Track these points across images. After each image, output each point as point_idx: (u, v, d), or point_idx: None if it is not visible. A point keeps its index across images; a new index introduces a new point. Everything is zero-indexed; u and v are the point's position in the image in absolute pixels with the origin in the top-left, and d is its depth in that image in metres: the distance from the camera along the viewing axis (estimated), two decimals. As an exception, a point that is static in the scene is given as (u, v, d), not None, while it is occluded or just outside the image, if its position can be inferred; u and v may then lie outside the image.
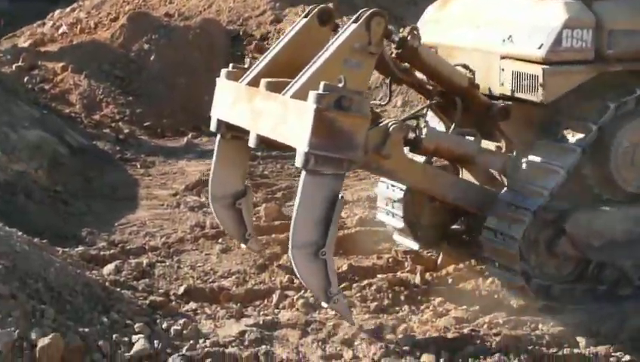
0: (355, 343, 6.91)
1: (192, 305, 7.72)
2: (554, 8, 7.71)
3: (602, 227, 7.83)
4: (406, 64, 7.86)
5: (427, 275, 8.35)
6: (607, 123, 7.67)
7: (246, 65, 8.67)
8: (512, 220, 7.47)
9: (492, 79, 8.04)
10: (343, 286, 8.00)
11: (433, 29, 8.71)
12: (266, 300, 7.88)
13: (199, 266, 8.76)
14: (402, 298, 7.89)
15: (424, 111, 8.78)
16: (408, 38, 7.59)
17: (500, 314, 7.49)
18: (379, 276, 8.29)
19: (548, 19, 7.66)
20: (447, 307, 7.67)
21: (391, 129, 7.32)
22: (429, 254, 8.78)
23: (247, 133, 7.76)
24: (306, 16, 8.16)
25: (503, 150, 8.32)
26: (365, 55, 7.35)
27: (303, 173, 6.92)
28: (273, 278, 8.35)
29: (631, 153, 7.81)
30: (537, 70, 7.56)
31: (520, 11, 8.04)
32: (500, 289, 7.92)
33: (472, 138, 8.04)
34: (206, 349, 6.51)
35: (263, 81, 7.63)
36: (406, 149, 7.73)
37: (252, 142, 7.63)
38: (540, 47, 7.55)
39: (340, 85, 6.86)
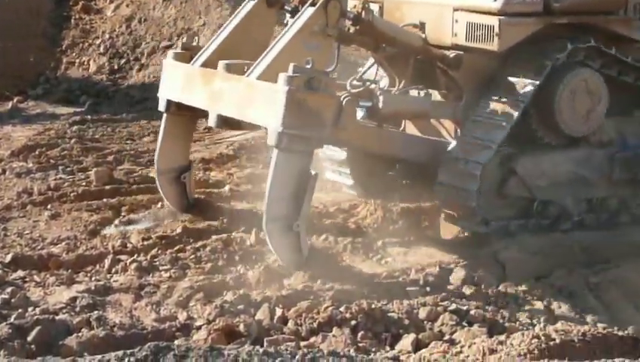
0: (190, 304, 6.86)
1: (20, 273, 7.47)
2: None
3: (547, 168, 8.48)
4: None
5: (261, 234, 8.34)
6: (551, 73, 8.23)
7: (194, 43, 8.86)
8: (465, 175, 7.99)
9: (444, 30, 8.51)
10: (177, 248, 7.98)
11: None
12: (97, 265, 7.72)
13: (27, 233, 8.48)
14: (237, 258, 7.87)
15: (373, 72, 9.05)
16: (362, 13, 7.91)
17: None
18: (214, 237, 8.25)
19: None
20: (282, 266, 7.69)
21: (344, 102, 7.62)
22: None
23: (194, 111, 8.28)
24: None
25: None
26: (324, 37, 7.75)
27: (275, 151, 7.28)
28: (105, 243, 8.18)
29: (572, 99, 8.37)
30: (493, 21, 8.12)
31: None
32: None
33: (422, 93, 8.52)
34: (35, 317, 6.31)
35: (222, 63, 7.94)
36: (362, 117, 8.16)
37: (212, 122, 7.96)
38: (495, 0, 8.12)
39: (308, 67, 7.22)
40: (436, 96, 8.78)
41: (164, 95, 8.71)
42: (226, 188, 9.92)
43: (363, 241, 8.31)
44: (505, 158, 8.33)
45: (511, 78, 8.32)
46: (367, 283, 7.31)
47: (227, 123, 8.03)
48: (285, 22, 8.44)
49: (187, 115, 8.71)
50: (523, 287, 7.38)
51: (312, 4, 7.79)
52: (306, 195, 7.35)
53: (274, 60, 7.62)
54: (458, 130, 8.77)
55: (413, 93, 8.59)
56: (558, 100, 8.35)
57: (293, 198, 7.33)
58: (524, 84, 8.23)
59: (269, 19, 8.62)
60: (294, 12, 8.19)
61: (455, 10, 8.46)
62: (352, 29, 8.03)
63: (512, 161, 8.36)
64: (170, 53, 8.80)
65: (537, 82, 8.22)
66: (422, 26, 8.53)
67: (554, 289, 7.46)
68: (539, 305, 7.17)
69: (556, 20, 8.42)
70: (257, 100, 7.50)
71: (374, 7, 9.00)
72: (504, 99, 8.23)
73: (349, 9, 7.99)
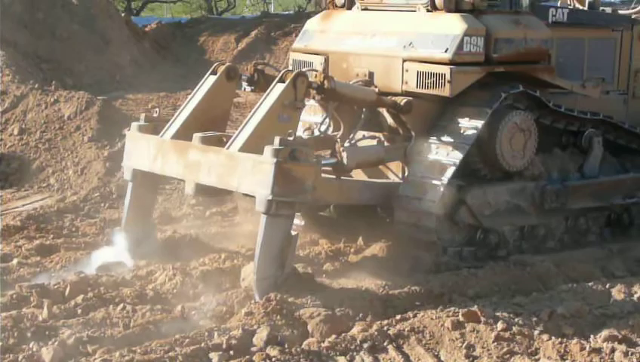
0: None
1: None
2: (454, 20, 9.49)
3: (490, 198, 9.65)
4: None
5: (54, 308, 8.00)
6: (493, 115, 9.45)
7: (155, 115, 9.70)
8: (422, 214, 9.10)
9: (393, 79, 9.67)
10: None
11: (321, 39, 10.41)
12: None
13: None
14: (29, 334, 7.47)
15: (334, 133, 9.95)
16: (325, 84, 9.05)
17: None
18: (2, 314, 7.81)
19: (451, 28, 9.43)
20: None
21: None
22: (57, 287, 8.49)
23: (159, 178, 9.38)
24: (213, 73, 9.48)
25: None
26: (294, 109, 8.83)
27: (264, 216, 8.13)
28: None
29: (509, 138, 9.59)
30: (445, 70, 9.30)
31: (417, 23, 9.74)
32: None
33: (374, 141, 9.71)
34: None
35: (197, 136, 8.81)
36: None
37: (189, 191, 8.85)
38: (446, 51, 9.33)
39: (291, 139, 8.14)
40: (380, 136, 9.84)
41: (130, 164, 9.46)
42: (14, 261, 9.47)
43: (163, 308, 8.10)
44: (455, 190, 9.32)
45: (457, 121, 9.44)
46: (169, 349, 7.10)
47: (205, 191, 8.86)
48: (243, 89, 9.75)
49: (151, 183, 9.61)
50: (326, 344, 7.37)
51: (281, 81, 8.83)
52: (289, 254, 8.25)
53: (252, 133, 8.55)
54: (406, 170, 9.73)
55: (366, 141, 9.74)
56: (499, 140, 9.52)
57: (279, 258, 8.19)
58: (469, 127, 9.36)
59: (229, 92, 9.62)
60: (250, 80, 9.61)
61: (405, 60, 9.58)
62: (317, 97, 9.18)
63: (462, 192, 9.41)
64: (134, 125, 9.52)
65: (480, 124, 9.34)
66: (370, 76, 9.75)
67: (356, 342, 7.48)
68: (342, 360, 7.18)
69: (495, 69, 9.65)
70: (241, 170, 8.35)
71: (319, 59, 10.24)
72: (451, 140, 9.33)
73: (310, 79, 8.99)
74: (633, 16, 11.71)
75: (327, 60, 10.18)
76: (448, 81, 9.28)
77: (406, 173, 9.70)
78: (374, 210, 10.03)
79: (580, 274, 9.38)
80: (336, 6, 10.76)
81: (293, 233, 8.41)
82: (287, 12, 35.23)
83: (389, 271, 9.07)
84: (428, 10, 9.77)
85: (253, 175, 8.26)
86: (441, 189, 9.13)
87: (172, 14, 37.40)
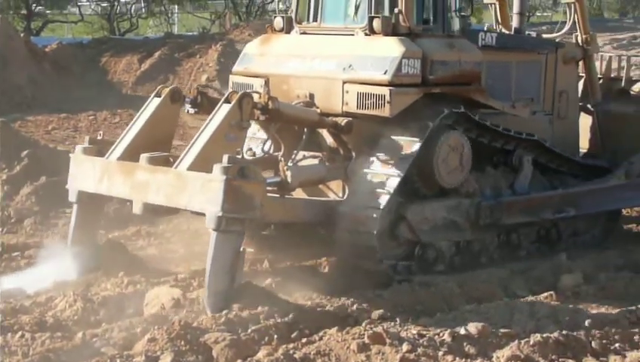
0: None
1: None
2: (392, 43, 9.84)
3: (429, 214, 10.03)
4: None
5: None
6: (431, 134, 9.78)
7: (99, 138, 9.99)
8: (363, 230, 9.40)
9: (334, 100, 9.99)
10: None
11: (261, 62, 10.67)
12: None
13: None
14: None
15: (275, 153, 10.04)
16: (269, 104, 9.28)
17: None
18: None
19: (389, 51, 9.77)
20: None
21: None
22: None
23: (104, 199, 9.73)
24: (158, 96, 9.73)
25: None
26: (239, 129, 9.11)
27: (214, 233, 8.36)
28: None
29: (445, 157, 9.95)
30: (384, 91, 9.64)
31: (356, 46, 10.07)
32: None
33: (316, 161, 10.07)
34: None
35: (144, 156, 9.03)
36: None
37: (137, 210, 9.03)
38: (385, 73, 9.68)
39: (239, 157, 8.56)
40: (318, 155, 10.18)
41: (75, 186, 9.69)
42: None
43: (63, 335, 7.90)
44: (396, 206, 9.71)
45: (396, 140, 9.76)
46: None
47: (153, 210, 9.07)
48: (187, 111, 9.98)
49: (96, 204, 9.87)
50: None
51: (227, 101, 9.09)
52: (238, 269, 8.52)
53: (200, 153, 8.79)
54: (346, 188, 10.10)
55: (308, 161, 10.06)
56: (436, 158, 9.90)
57: (228, 274, 8.44)
58: (408, 146, 9.72)
59: (173, 113, 9.86)
60: (194, 103, 9.82)
61: (345, 82, 9.91)
62: (261, 118, 9.36)
63: (402, 208, 9.79)
64: (79, 147, 9.75)
65: (419, 143, 9.71)
66: (311, 97, 10.05)
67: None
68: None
69: (431, 90, 10.02)
70: (191, 189, 8.59)
71: (260, 81, 10.38)
72: (391, 159, 9.67)
73: (255, 100, 9.21)
74: (557, 40, 12.19)
75: (267, 83, 10.30)
76: (388, 102, 9.64)
77: (346, 192, 10.04)
78: (314, 228, 10.22)
79: (482, 294, 9.49)
80: (274, 30, 11.00)
81: (241, 249, 8.65)
82: (191, 33, 35.02)
83: (327, 287, 9.32)
84: (366, 34, 10.11)
85: (202, 193, 8.49)
86: (383, 205, 9.45)
87: (73, 35, 36.82)
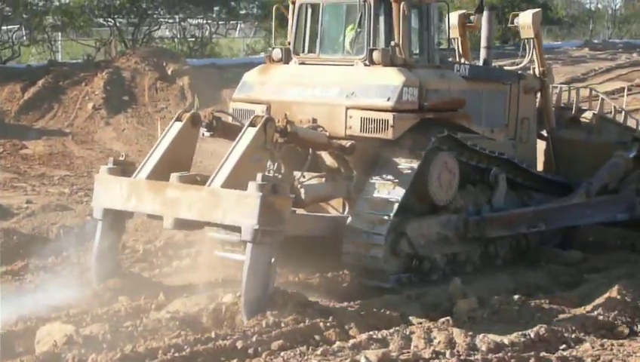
0: None
1: None
2: (393, 72, 10.96)
3: (425, 230, 11.07)
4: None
5: None
6: (426, 156, 10.87)
7: (121, 158, 10.63)
8: (370, 246, 10.51)
9: (337, 125, 11.02)
10: None
11: (262, 90, 11.62)
12: None
13: None
14: None
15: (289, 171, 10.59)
16: (288, 128, 10.14)
17: None
18: None
19: (391, 80, 10.89)
20: None
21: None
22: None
23: (125, 216, 10.47)
24: (178, 120, 10.57)
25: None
26: (264, 150, 9.95)
27: (250, 245, 9.25)
28: None
29: (438, 176, 11.00)
30: (388, 116, 10.74)
31: (357, 75, 11.15)
32: None
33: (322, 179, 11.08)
34: None
35: (174, 175, 9.91)
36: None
37: (169, 225, 9.83)
38: (388, 100, 10.77)
39: (271, 175, 9.35)
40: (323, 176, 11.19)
41: (100, 204, 10.36)
42: None
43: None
44: (396, 223, 10.68)
45: (396, 161, 10.86)
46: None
47: (184, 225, 9.86)
48: (202, 134, 10.74)
49: (120, 222, 10.54)
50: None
51: (252, 125, 9.94)
52: (271, 278, 9.37)
53: (232, 172, 9.64)
54: (347, 205, 11.10)
55: (314, 180, 11.00)
56: (431, 178, 10.95)
57: (263, 283, 9.26)
58: (407, 166, 10.81)
59: (193, 137, 10.60)
60: (210, 126, 10.55)
61: (348, 108, 10.94)
62: (280, 140, 10.15)
63: (402, 225, 10.80)
64: (104, 168, 10.51)
65: (417, 164, 10.80)
66: (314, 122, 10.95)
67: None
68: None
69: (426, 115, 11.08)
70: (225, 204, 9.42)
71: (261, 107, 11.12)
72: (393, 178, 10.76)
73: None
74: (519, 72, 13.51)
75: (269, 109, 11.02)
76: (391, 126, 10.71)
77: (347, 208, 11.10)
78: (313, 243, 10.94)
79: (380, 320, 9.51)
80: (273, 60, 11.92)
81: (272, 260, 9.41)
82: (75, 60, 34.38)
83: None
84: (365, 65, 11.19)
85: (237, 208, 9.33)
86: (389, 223, 10.53)
87: (-48, 63, 35.78)
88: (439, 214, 11.40)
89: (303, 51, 11.94)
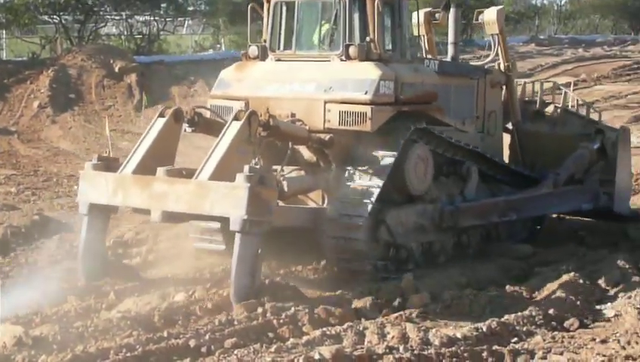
0: None
1: None
2: (370, 67, 11.25)
3: (403, 218, 11.46)
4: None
5: None
6: (403, 147, 11.24)
7: (105, 154, 11.03)
8: (352, 228, 10.77)
9: (316, 118, 11.24)
10: None
11: (239, 86, 11.86)
12: None
13: None
14: None
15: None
16: (270, 122, 10.35)
17: None
18: None
19: (368, 74, 11.18)
20: None
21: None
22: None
23: (110, 211, 10.71)
24: (161, 116, 10.79)
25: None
26: (248, 143, 10.20)
27: (239, 235, 9.51)
28: None
29: (414, 167, 11.39)
30: (366, 109, 11.03)
31: (334, 70, 11.43)
32: None
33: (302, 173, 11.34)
34: None
35: (161, 169, 10.15)
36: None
37: (157, 218, 10.08)
38: (366, 93, 11.06)
39: (258, 167, 9.69)
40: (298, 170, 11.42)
41: (86, 200, 10.56)
42: None
43: None
44: (376, 211, 10.96)
45: (374, 153, 11.13)
46: None
47: (171, 217, 10.13)
48: (184, 130, 10.83)
49: (105, 215, 10.71)
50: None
51: (236, 119, 10.22)
52: (259, 267, 9.68)
53: (218, 165, 9.91)
54: (325, 197, 11.36)
55: (294, 173, 11.23)
56: (407, 168, 11.31)
57: (251, 273, 9.58)
58: (386, 156, 11.09)
59: (176, 132, 10.83)
60: (191, 122, 10.72)
61: (326, 102, 11.20)
62: (263, 133, 10.34)
63: (382, 212, 11.09)
64: (89, 164, 10.69)
65: (394, 154, 11.11)
66: (292, 116, 11.10)
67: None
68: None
69: (402, 108, 11.42)
70: (213, 196, 9.72)
71: (240, 103, 11.40)
72: (372, 169, 11.03)
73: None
74: (485, 67, 13.85)
75: (247, 105, 11.30)
76: (369, 118, 11.01)
77: (326, 200, 11.33)
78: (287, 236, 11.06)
79: (334, 317, 9.49)
80: (249, 58, 12.17)
81: (259, 250, 9.66)
82: (20, 58, 33.93)
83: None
84: (342, 60, 11.50)
85: (226, 199, 9.61)
86: (370, 206, 10.79)
87: None
88: (416, 204, 11.76)
89: (279, 48, 12.20)
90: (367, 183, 11.00)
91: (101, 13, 39.02)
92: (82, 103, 28.34)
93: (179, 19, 44.13)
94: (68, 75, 29.54)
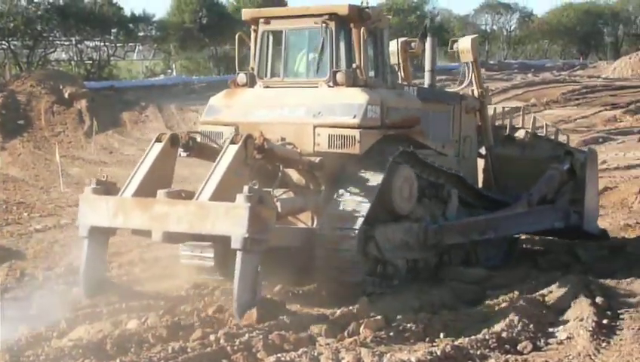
0: None
1: None
2: (357, 92, 11.77)
3: (391, 235, 11.98)
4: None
5: None
6: (388, 170, 11.75)
7: (102, 178, 11.32)
8: (344, 239, 11.19)
9: (305, 142, 11.72)
10: None
11: (229, 113, 12.29)
12: None
13: None
14: None
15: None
16: (265, 145, 10.82)
17: None
18: None
19: (355, 99, 11.69)
20: None
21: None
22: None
23: (109, 233, 11.07)
24: (158, 141, 11.20)
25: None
26: (245, 165, 10.73)
27: (240, 253, 9.95)
28: None
29: (400, 188, 11.97)
30: (355, 132, 11.55)
31: (322, 96, 11.90)
32: None
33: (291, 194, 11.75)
34: None
35: (161, 192, 10.60)
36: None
37: (158, 238, 10.50)
38: (354, 117, 11.56)
39: (256, 187, 10.06)
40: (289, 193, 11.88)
41: (86, 223, 10.90)
42: None
43: None
44: (364, 229, 11.39)
45: (363, 174, 11.64)
46: None
47: (172, 238, 10.58)
48: (179, 155, 11.25)
49: (105, 238, 11.12)
50: None
51: (233, 142, 10.69)
52: (258, 283, 10.12)
53: (218, 186, 10.36)
54: (315, 218, 11.85)
55: (285, 194, 11.65)
56: (394, 189, 11.85)
57: (252, 289, 10.05)
58: (373, 177, 11.59)
59: (172, 156, 11.29)
60: (186, 146, 11.15)
61: (316, 126, 11.68)
62: (258, 156, 10.84)
63: (370, 230, 11.58)
64: (88, 188, 11.03)
65: (382, 176, 11.61)
66: (283, 140, 11.55)
67: None
68: None
69: (387, 132, 11.97)
70: (214, 216, 10.13)
71: (230, 129, 11.82)
72: (360, 189, 11.51)
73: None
74: (461, 93, 14.40)
75: (237, 130, 11.66)
76: (358, 142, 11.53)
77: (315, 221, 11.83)
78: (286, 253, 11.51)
79: (289, 342, 9.43)
80: (238, 85, 12.59)
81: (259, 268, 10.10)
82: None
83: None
84: (329, 86, 11.99)
85: (227, 219, 10.03)
86: (359, 226, 11.25)
87: None
88: (402, 222, 12.27)
89: (267, 75, 12.68)
90: (358, 200, 11.47)
91: (50, 38, 38.87)
92: (31, 129, 28.09)
93: (129, 44, 43.97)
94: (17, 101, 29.29)
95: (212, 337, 9.34)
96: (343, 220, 11.34)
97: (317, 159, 11.72)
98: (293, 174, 11.95)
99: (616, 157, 24.47)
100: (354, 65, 12.01)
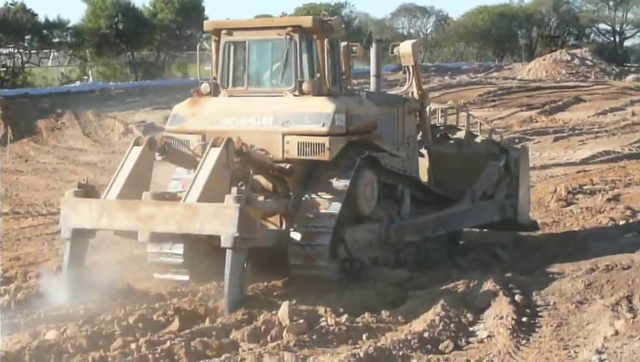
0: None
1: None
2: (324, 101, 12.31)
3: (357, 236, 12.65)
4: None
5: None
6: (355, 173, 12.40)
7: (83, 181, 11.70)
8: (318, 234, 11.89)
9: (275, 149, 12.22)
10: None
11: (195, 121, 12.64)
12: None
13: None
14: None
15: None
16: (243, 148, 11.35)
17: None
18: None
19: (323, 108, 12.23)
20: None
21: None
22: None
23: (89, 235, 11.49)
24: (137, 145, 11.70)
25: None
26: (226, 168, 11.24)
27: (230, 251, 10.50)
28: None
29: (363, 190, 12.61)
30: (324, 140, 12.09)
31: (289, 105, 12.39)
32: None
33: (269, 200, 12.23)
34: None
35: (147, 193, 11.03)
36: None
37: (144, 239, 11.05)
38: (323, 125, 12.10)
39: (243, 188, 10.58)
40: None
41: (68, 225, 11.30)
42: None
43: None
44: (337, 230, 12.08)
45: (332, 179, 12.26)
46: None
47: (159, 238, 11.20)
48: (157, 159, 11.72)
49: (85, 240, 11.52)
50: None
51: (215, 145, 11.20)
52: (245, 280, 10.83)
53: (204, 188, 10.90)
54: (284, 221, 12.44)
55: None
56: (358, 191, 12.51)
57: (241, 286, 10.75)
58: (341, 182, 12.24)
59: (150, 159, 11.71)
60: (162, 150, 11.67)
61: (285, 134, 12.17)
62: (236, 160, 11.33)
63: (340, 231, 12.20)
64: (69, 191, 11.45)
65: (349, 180, 12.28)
66: (252, 147, 11.79)
67: None
68: None
69: (352, 138, 12.55)
70: (203, 216, 10.63)
71: (196, 137, 12.32)
72: (330, 192, 12.17)
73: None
74: (403, 96, 14.85)
75: (204, 138, 12.16)
76: (327, 149, 12.07)
77: (284, 224, 12.41)
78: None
79: (211, 349, 9.36)
80: (201, 94, 12.89)
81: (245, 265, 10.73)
82: None
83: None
84: (295, 95, 12.47)
85: (216, 218, 10.52)
86: (332, 225, 11.93)
87: None
88: (366, 223, 12.95)
89: (230, 85, 12.99)
90: (328, 203, 12.12)
91: (-38, 45, 38.00)
92: (-56, 139, 27.40)
93: (44, 51, 43.27)
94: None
95: (133, 345, 9.22)
96: (317, 220, 11.98)
97: (287, 165, 12.21)
98: (261, 179, 12.38)
99: (532, 158, 24.85)
100: (318, 75, 12.50)
